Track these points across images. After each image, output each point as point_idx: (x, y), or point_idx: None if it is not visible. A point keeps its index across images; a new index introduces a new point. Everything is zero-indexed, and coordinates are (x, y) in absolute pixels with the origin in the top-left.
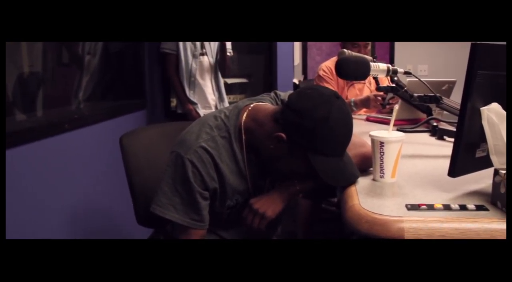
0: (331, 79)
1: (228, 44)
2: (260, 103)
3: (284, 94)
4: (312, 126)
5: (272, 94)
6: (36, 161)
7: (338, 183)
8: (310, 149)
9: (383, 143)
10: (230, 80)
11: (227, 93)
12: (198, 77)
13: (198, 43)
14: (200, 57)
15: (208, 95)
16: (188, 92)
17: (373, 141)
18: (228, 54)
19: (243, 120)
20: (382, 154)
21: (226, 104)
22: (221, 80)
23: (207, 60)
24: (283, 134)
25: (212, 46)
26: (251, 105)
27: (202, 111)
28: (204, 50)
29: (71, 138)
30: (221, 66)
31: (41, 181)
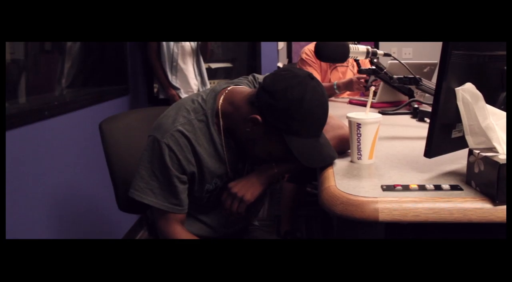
0: (314, 62)
1: None
2: (237, 86)
3: (261, 77)
4: (287, 107)
5: (250, 77)
6: (15, 148)
7: (314, 164)
8: (285, 130)
9: (360, 124)
10: (214, 65)
11: (211, 78)
12: (180, 62)
13: None
14: (181, 42)
15: (191, 80)
16: (170, 77)
17: (350, 122)
18: None
19: (220, 103)
20: (359, 135)
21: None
22: (203, 65)
23: (189, 44)
24: (258, 117)
25: None
26: (228, 89)
27: (184, 96)
28: None
29: (51, 125)
30: (202, 50)
31: (22, 168)
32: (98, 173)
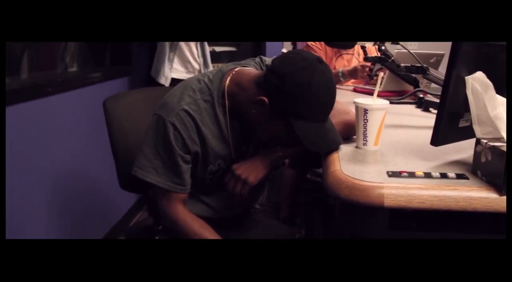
0: (319, 49)
1: None
2: (244, 68)
3: (269, 60)
4: (294, 90)
5: (257, 59)
6: (17, 124)
7: (319, 149)
8: (292, 113)
9: (367, 110)
10: (218, 48)
11: (215, 62)
12: (182, 42)
13: None
14: None
15: (193, 61)
16: (168, 54)
17: (357, 107)
18: None
19: (226, 84)
20: (365, 121)
21: (210, 69)
22: (207, 46)
23: None
24: (265, 98)
25: None
26: (235, 70)
27: (185, 75)
28: None
29: (54, 102)
30: None
31: (24, 144)
32: (99, 150)
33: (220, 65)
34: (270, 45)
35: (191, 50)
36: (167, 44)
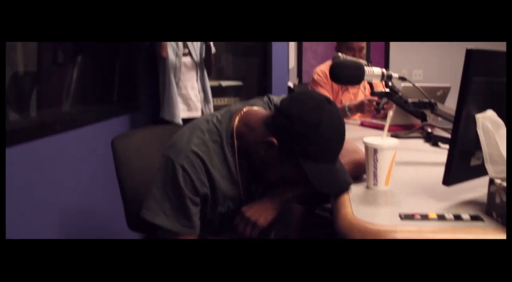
0: (325, 83)
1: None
2: (252, 107)
3: (277, 99)
4: (303, 131)
5: (265, 98)
6: (26, 162)
7: (330, 190)
8: (301, 154)
9: (377, 149)
10: (224, 83)
11: (221, 96)
12: (182, 76)
13: (180, 43)
14: (183, 58)
15: (193, 97)
16: (176, 89)
17: (366, 147)
18: (212, 52)
19: (235, 124)
20: (375, 161)
21: (211, 105)
22: (207, 81)
23: (190, 60)
24: (274, 140)
25: (195, 45)
26: (244, 110)
27: (187, 114)
28: (186, 50)
29: (62, 140)
30: (206, 65)
31: (32, 183)
32: (107, 189)
33: (226, 99)
34: (275, 79)
35: (193, 85)
36: (173, 83)
